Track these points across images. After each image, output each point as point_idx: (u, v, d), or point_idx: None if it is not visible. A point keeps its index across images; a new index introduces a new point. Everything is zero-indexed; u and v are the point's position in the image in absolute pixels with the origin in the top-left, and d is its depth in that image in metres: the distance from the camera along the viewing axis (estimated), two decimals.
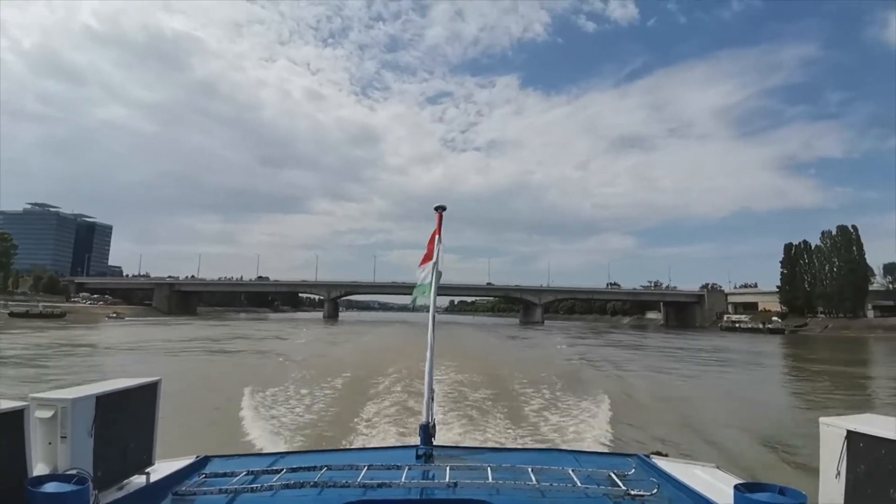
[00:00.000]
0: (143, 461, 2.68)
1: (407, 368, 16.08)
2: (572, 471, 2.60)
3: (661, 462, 2.97)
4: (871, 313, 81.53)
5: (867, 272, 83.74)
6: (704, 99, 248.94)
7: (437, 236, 3.89)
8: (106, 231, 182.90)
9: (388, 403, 11.75)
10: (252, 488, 2.38)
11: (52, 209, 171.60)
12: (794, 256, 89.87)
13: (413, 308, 4.01)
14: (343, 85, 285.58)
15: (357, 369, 18.01)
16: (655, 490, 2.39)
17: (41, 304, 72.80)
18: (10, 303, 70.12)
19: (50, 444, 2.14)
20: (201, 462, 2.91)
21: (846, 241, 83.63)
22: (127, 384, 2.60)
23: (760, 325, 78.28)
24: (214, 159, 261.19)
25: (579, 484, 2.42)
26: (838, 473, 1.98)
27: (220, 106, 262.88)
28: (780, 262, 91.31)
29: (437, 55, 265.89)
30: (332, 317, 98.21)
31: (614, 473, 2.60)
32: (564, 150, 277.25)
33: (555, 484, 2.41)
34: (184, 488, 2.43)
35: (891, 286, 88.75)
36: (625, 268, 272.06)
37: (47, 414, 2.13)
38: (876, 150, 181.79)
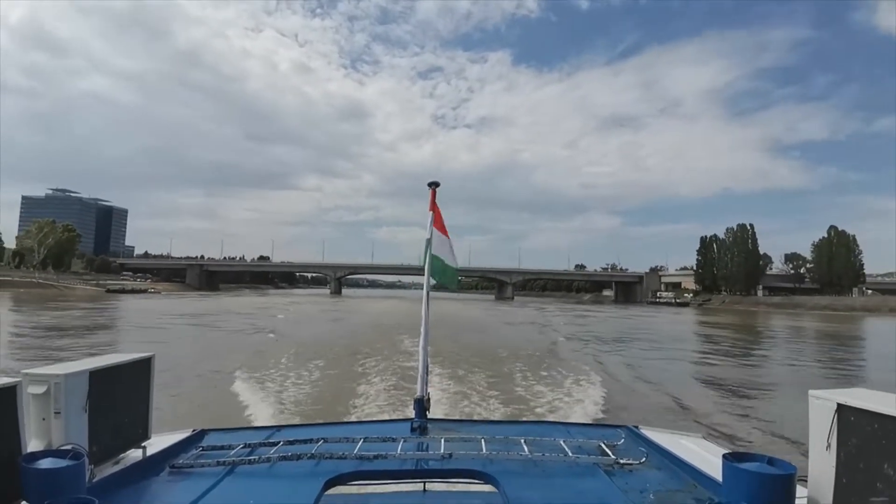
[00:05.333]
0: (139, 435, 2.71)
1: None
2: (563, 441, 2.68)
3: (649, 433, 3.04)
4: (761, 292, 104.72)
5: (759, 260, 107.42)
6: (695, 78, 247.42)
7: (431, 213, 3.89)
8: (122, 214, 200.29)
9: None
10: (249, 461, 2.45)
11: (73, 194, 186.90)
12: (708, 246, 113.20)
13: (443, 285, 4.07)
14: (332, 58, 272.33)
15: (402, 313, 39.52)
16: (644, 459, 2.50)
17: (130, 283, 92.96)
18: (101, 281, 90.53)
19: (44, 419, 2.14)
20: (198, 435, 2.94)
21: (743, 236, 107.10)
22: (120, 359, 2.62)
23: (674, 300, 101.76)
24: (197, 133, 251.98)
25: (570, 454, 2.52)
26: (829, 446, 1.95)
27: (204, 76, 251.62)
28: (697, 250, 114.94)
29: (428, 29, 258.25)
30: (337, 292, 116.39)
31: (604, 444, 2.69)
32: (554, 128, 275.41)
33: (546, 454, 2.51)
34: (180, 461, 2.46)
35: (791, 271, 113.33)
36: (607, 246, 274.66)
37: (40, 390, 2.13)
38: (860, 132, 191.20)
